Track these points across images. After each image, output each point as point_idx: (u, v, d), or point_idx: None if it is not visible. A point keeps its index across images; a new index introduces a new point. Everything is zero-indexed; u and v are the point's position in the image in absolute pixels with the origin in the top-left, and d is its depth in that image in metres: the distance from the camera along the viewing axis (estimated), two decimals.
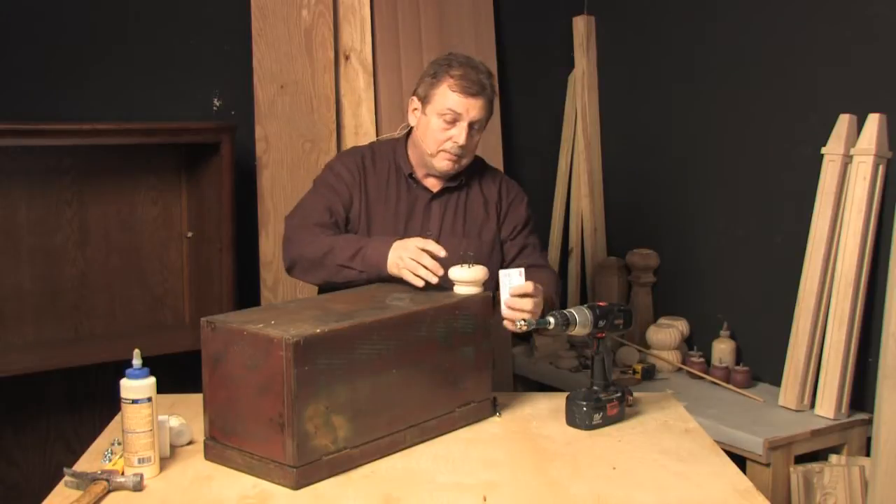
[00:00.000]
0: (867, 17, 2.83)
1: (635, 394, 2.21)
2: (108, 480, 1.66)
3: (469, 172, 2.38)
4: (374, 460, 1.81)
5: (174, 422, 1.87)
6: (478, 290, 2.05)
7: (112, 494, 1.66)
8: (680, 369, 3.29)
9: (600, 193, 3.87)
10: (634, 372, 3.21)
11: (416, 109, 2.32)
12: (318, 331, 1.70)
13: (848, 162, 2.81)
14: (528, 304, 2.04)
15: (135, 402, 1.70)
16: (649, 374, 3.22)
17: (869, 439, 2.78)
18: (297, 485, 1.68)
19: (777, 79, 3.12)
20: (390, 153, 2.38)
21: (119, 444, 1.80)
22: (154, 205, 3.14)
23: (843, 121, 2.82)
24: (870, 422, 2.77)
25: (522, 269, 2.09)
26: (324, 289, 2.27)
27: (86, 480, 1.67)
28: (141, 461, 1.72)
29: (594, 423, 2.03)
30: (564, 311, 2.01)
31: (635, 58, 3.72)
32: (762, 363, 3.13)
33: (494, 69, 3.42)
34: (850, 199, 2.79)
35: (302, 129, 3.23)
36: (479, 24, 3.60)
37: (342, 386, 1.74)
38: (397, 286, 2.09)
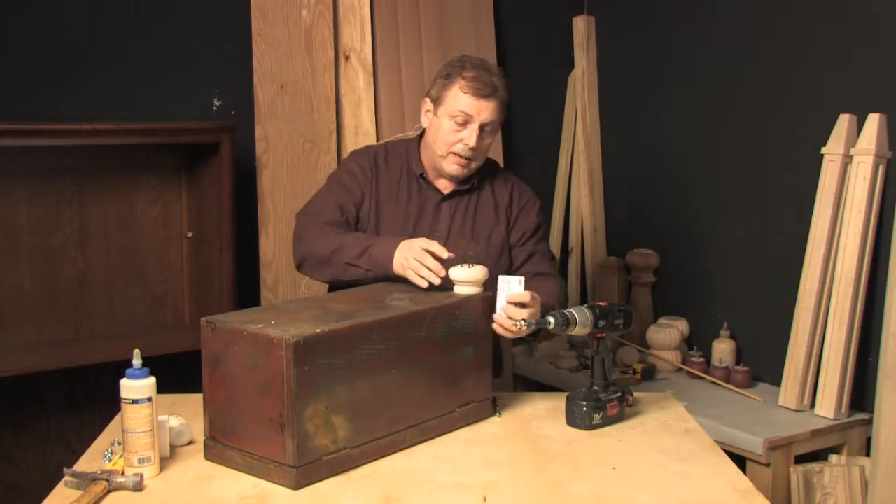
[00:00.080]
0: (867, 17, 2.83)
1: (635, 394, 2.21)
2: (108, 480, 1.66)
3: (481, 175, 2.36)
4: (374, 460, 1.81)
5: (174, 422, 1.87)
6: (478, 290, 2.05)
7: (112, 494, 1.66)
8: (680, 369, 3.29)
9: (600, 193, 3.87)
10: (634, 372, 3.21)
11: (428, 111, 2.30)
12: (318, 331, 1.70)
13: (848, 162, 2.81)
14: (522, 313, 2.02)
15: (135, 402, 1.70)
16: (649, 374, 3.22)
17: (869, 439, 2.78)
18: (297, 485, 1.68)
19: (777, 79, 3.12)
20: (403, 153, 2.37)
21: (119, 444, 1.80)
22: (154, 205, 3.14)
23: (843, 121, 2.82)
24: (870, 422, 2.77)
25: (522, 278, 2.08)
26: (333, 286, 2.28)
27: (86, 480, 1.67)
28: (141, 461, 1.72)
29: (594, 423, 2.03)
30: (564, 311, 2.02)
31: (635, 58, 3.72)
32: (762, 363, 3.13)
33: None
34: (850, 199, 2.79)
35: (302, 129, 3.23)
36: (479, 24, 3.60)
37: (342, 386, 1.74)
38: (397, 286, 2.09)
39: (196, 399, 1.91)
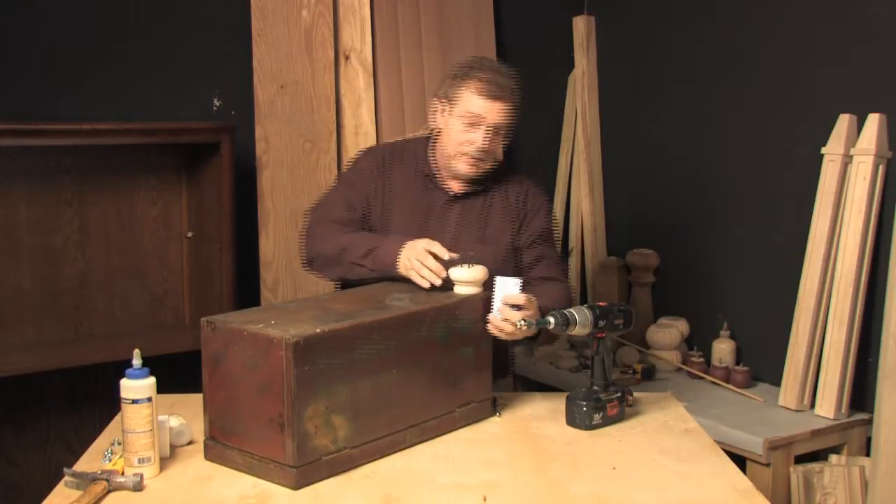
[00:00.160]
0: (867, 17, 2.83)
1: (635, 394, 2.21)
2: (108, 480, 1.66)
3: (494, 177, 2.32)
4: (374, 460, 1.81)
5: (174, 422, 1.87)
6: (478, 290, 2.05)
7: (112, 494, 1.66)
8: (680, 369, 3.29)
9: (600, 193, 3.87)
10: (634, 372, 3.21)
11: (436, 111, 2.28)
12: (318, 331, 1.70)
13: (848, 162, 2.81)
14: (517, 315, 2.01)
15: (135, 402, 1.70)
16: (649, 374, 3.22)
17: (869, 439, 2.78)
18: (297, 485, 1.68)
19: (777, 79, 3.12)
20: (415, 152, 2.35)
21: (119, 444, 1.80)
22: (154, 205, 3.14)
23: (843, 121, 2.82)
24: (870, 422, 2.77)
25: (519, 280, 2.07)
26: (344, 285, 2.28)
27: (86, 480, 1.67)
28: (141, 461, 1.72)
29: (594, 423, 2.03)
30: (564, 311, 2.02)
31: (635, 58, 3.72)
32: (762, 363, 3.13)
33: None
34: (850, 199, 2.79)
35: (302, 129, 3.23)
36: (479, 24, 3.60)
37: (342, 386, 1.74)
38: (398, 285, 2.09)
39: (196, 399, 1.91)
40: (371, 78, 3.34)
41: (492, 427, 2.04)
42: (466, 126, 2.20)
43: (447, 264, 2.05)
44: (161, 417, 1.80)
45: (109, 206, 3.06)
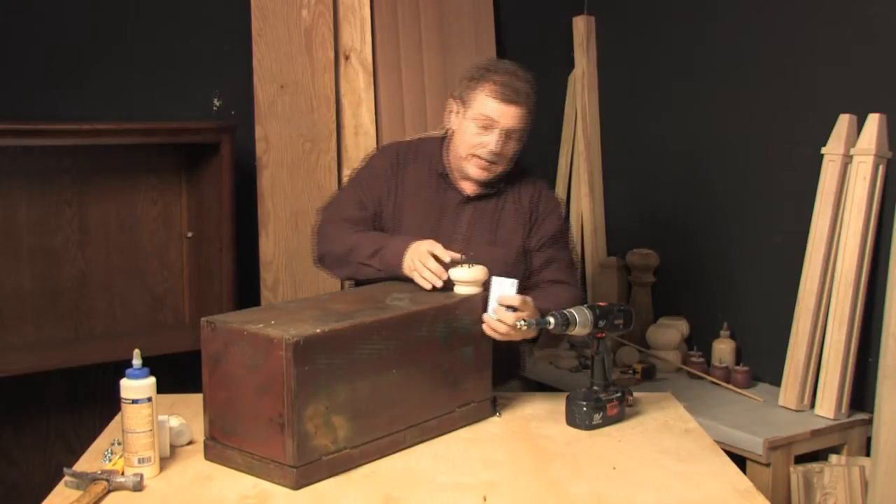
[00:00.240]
0: (867, 17, 2.83)
1: (635, 394, 2.21)
2: (108, 480, 1.66)
3: (507, 179, 2.30)
4: (374, 460, 1.81)
5: (174, 422, 1.87)
6: (478, 290, 2.05)
7: (112, 494, 1.66)
8: (680, 369, 3.29)
9: (600, 193, 3.87)
10: (634, 372, 3.21)
11: (451, 111, 2.27)
12: (318, 331, 1.70)
13: (848, 162, 2.81)
14: (510, 317, 2.00)
15: (135, 402, 1.70)
16: (649, 374, 3.22)
17: (869, 439, 2.78)
18: (297, 485, 1.68)
19: (777, 79, 3.12)
20: (430, 151, 2.34)
21: (119, 444, 1.80)
22: (154, 205, 3.14)
23: (843, 121, 2.82)
24: (870, 422, 2.77)
25: (515, 281, 2.05)
26: (357, 283, 2.28)
27: (86, 480, 1.67)
28: (141, 461, 1.72)
29: (594, 423, 2.03)
30: (564, 311, 2.01)
31: (635, 58, 3.72)
32: (762, 363, 3.13)
33: None
34: (850, 199, 2.79)
35: (302, 129, 3.23)
36: (479, 24, 3.60)
37: (342, 386, 1.74)
38: (398, 285, 2.09)
39: (196, 399, 1.91)
40: (371, 78, 3.34)
41: (492, 427, 2.04)
42: (479, 129, 2.19)
43: (448, 266, 2.05)
44: (161, 417, 1.80)
45: (109, 206, 3.06)
